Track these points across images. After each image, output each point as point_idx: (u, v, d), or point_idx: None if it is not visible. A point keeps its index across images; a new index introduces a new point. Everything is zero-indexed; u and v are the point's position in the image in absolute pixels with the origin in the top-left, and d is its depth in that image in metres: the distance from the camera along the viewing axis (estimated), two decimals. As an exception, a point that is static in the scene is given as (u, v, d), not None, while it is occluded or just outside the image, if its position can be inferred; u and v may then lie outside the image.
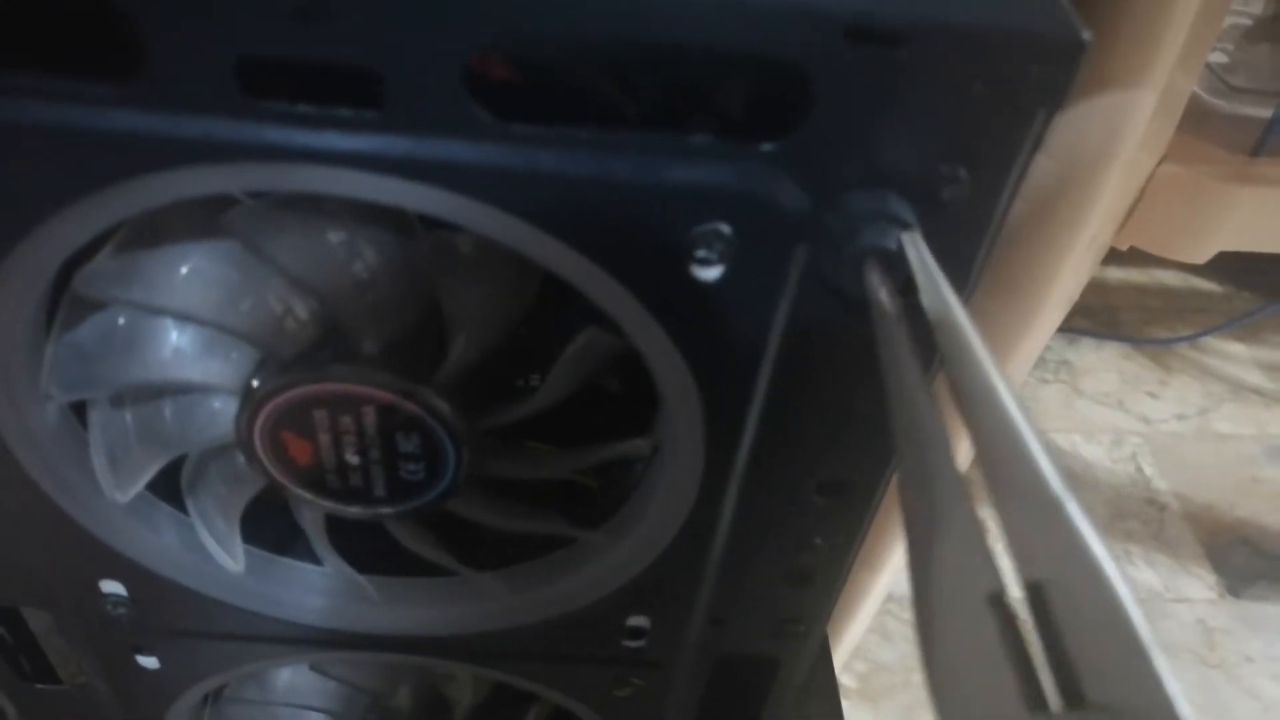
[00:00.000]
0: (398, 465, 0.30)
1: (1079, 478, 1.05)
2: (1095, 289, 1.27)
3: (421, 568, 0.35)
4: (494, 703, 0.45)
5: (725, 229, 0.22)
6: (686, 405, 0.27)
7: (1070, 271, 0.49)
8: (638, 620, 0.34)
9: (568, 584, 0.34)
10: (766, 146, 0.21)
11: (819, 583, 0.33)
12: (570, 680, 0.38)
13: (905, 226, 0.21)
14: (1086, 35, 0.20)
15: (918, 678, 0.83)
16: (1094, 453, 1.12)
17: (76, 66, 0.21)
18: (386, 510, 0.31)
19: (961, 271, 0.23)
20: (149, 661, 0.38)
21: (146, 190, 0.22)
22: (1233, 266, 1.18)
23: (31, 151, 0.22)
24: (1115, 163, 0.45)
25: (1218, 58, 0.96)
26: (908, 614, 0.88)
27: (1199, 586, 0.96)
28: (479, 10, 0.19)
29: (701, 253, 0.23)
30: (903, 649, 0.87)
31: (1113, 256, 0.94)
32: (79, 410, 0.30)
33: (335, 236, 0.25)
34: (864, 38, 0.20)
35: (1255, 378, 1.18)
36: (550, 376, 0.28)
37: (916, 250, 0.21)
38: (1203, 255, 0.90)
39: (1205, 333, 1.20)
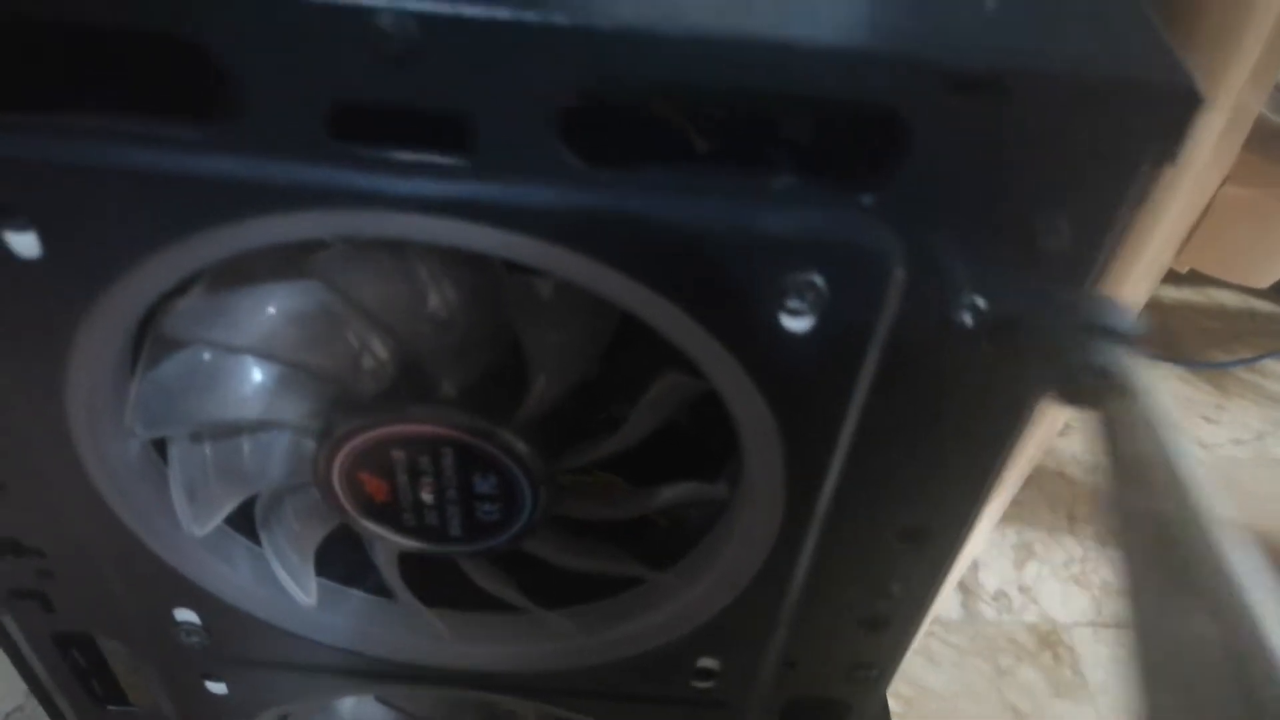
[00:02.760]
0: (474, 505, 0.29)
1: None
2: (1151, 310, 1.25)
3: (490, 603, 0.35)
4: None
5: (818, 279, 0.22)
6: (769, 451, 0.26)
7: (1129, 292, 0.48)
8: (708, 662, 0.34)
9: (638, 624, 0.34)
10: (864, 198, 0.21)
11: (894, 628, 0.32)
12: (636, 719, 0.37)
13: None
14: (1203, 89, 0.19)
15: (964, 703, 0.82)
16: None
17: (161, 108, 0.21)
18: (461, 549, 0.31)
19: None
20: (218, 688, 0.38)
21: (237, 237, 0.22)
22: (1293, 288, 1.16)
23: (123, 196, 0.22)
24: (1179, 184, 0.44)
25: (1280, 78, 0.94)
26: (954, 637, 0.86)
27: None
28: (574, 59, 0.19)
29: (793, 303, 0.22)
30: (949, 673, 0.85)
31: (1169, 277, 0.92)
32: (159, 446, 0.30)
33: (417, 278, 0.25)
34: (968, 88, 0.19)
35: (1315, 403, 1.15)
36: (631, 419, 0.28)
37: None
38: (1265, 280, 0.88)
39: (1264, 356, 1.17)
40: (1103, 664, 0.78)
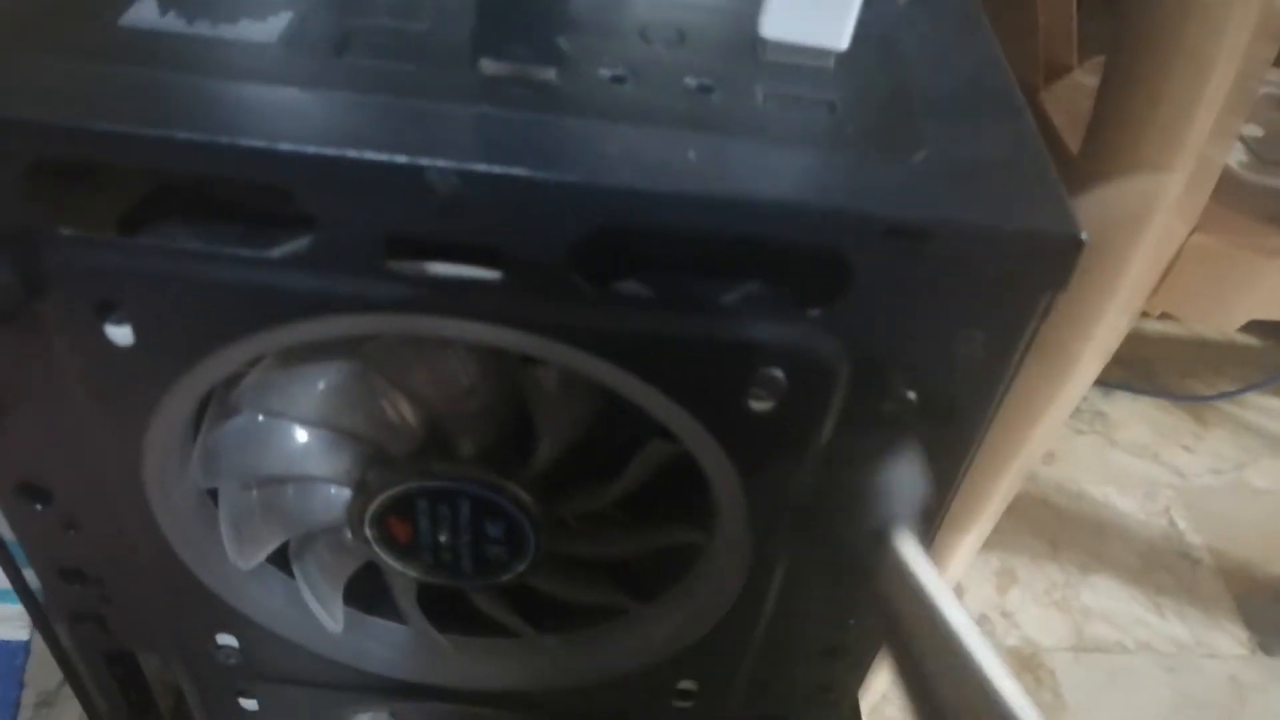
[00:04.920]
0: (484, 547, 0.34)
1: (1111, 529, 1.07)
2: (1132, 341, 1.27)
3: (494, 629, 0.39)
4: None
5: (778, 374, 0.27)
6: (737, 507, 0.31)
7: (1103, 334, 0.52)
8: (687, 684, 0.39)
9: (623, 649, 0.38)
10: (814, 312, 0.26)
11: (851, 656, 0.37)
12: (624, 735, 0.42)
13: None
14: (1084, 235, 0.24)
15: None
16: (1127, 505, 1.11)
17: (250, 231, 0.26)
18: (471, 583, 0.36)
19: (975, 417, 0.28)
20: (250, 704, 0.42)
21: (302, 332, 0.27)
22: (1273, 324, 1.18)
23: (208, 301, 0.27)
24: (1145, 236, 0.47)
25: (1254, 130, 0.99)
26: (939, 660, 0.90)
27: (1230, 642, 0.95)
28: (583, 209, 0.24)
29: (758, 391, 0.27)
30: None
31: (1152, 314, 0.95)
32: (212, 491, 0.35)
33: (449, 364, 0.30)
34: (897, 234, 0.24)
35: (1294, 434, 1.16)
36: (620, 478, 0.32)
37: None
38: (1233, 324, 0.93)
39: (1244, 390, 1.19)
40: (1082, 687, 0.80)
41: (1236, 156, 0.96)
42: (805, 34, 0.27)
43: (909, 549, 0.23)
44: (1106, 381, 1.21)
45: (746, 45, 0.28)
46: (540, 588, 0.37)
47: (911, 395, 0.27)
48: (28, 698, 0.72)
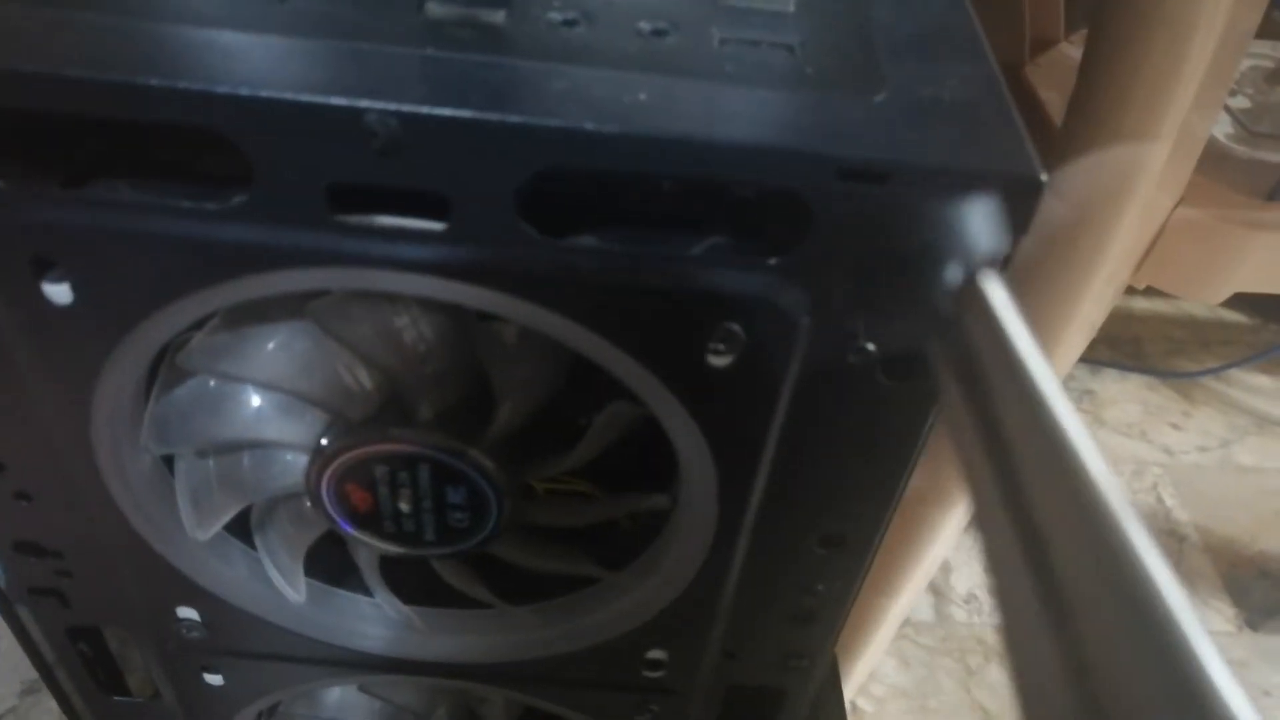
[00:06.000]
0: (446, 513, 0.33)
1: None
2: (1120, 320, 1.28)
3: (461, 600, 0.39)
4: (525, 723, 0.49)
5: (736, 327, 0.26)
6: (702, 468, 0.30)
7: (1088, 307, 0.51)
8: (657, 653, 0.38)
9: (594, 619, 0.38)
10: (772, 260, 0.25)
11: (820, 623, 0.37)
12: (595, 706, 0.41)
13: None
14: (1043, 175, 0.23)
15: (934, 702, 0.85)
16: None
17: (186, 182, 0.25)
18: (434, 552, 0.35)
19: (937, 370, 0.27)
20: (215, 679, 0.42)
21: (247, 288, 0.26)
22: (1260, 299, 1.18)
23: (148, 257, 0.26)
24: (1129, 208, 0.47)
25: (1241, 102, 0.98)
26: (925, 638, 0.90)
27: (1218, 619, 0.96)
28: (527, 150, 0.23)
29: (717, 345, 0.27)
30: (919, 673, 0.88)
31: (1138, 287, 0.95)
32: (168, 459, 0.34)
33: (399, 321, 0.29)
34: (854, 176, 0.23)
35: (1281, 411, 1.16)
36: (583, 440, 0.32)
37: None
38: (1218, 296, 0.92)
39: (1231, 365, 1.20)
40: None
41: (1224, 129, 0.96)
42: (763, -25, 0.27)
43: (997, 294, 0.21)
44: (1095, 360, 1.21)
45: (705, -10, 0.28)
46: (506, 557, 0.36)
47: (871, 346, 0.26)
48: (11, 686, 0.72)
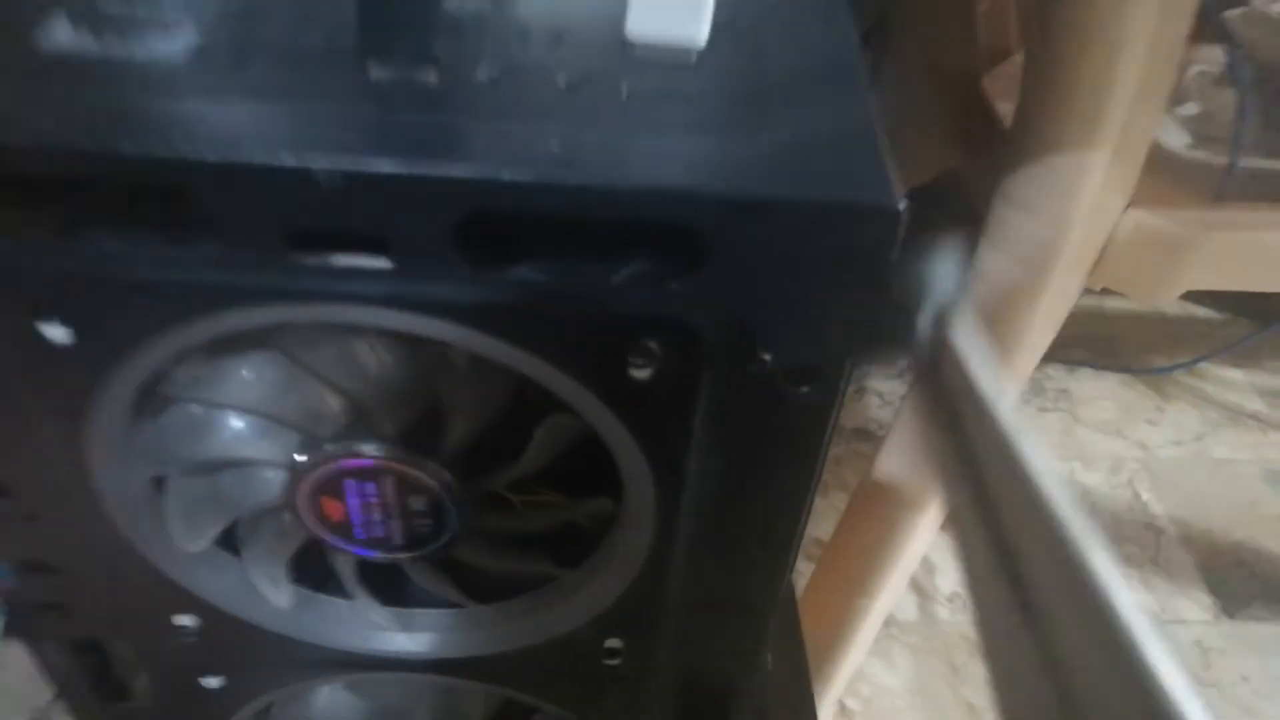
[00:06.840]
0: (411, 520, 0.37)
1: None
2: (1094, 318, 1.30)
3: (433, 601, 0.42)
4: (503, 718, 0.52)
5: (653, 344, 0.30)
6: (638, 470, 0.34)
7: (1049, 300, 0.55)
8: (614, 642, 0.41)
9: (555, 613, 0.41)
10: (676, 285, 0.29)
11: (759, 613, 0.40)
12: (561, 693, 0.45)
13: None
14: (902, 205, 0.26)
15: (920, 700, 0.87)
16: (1093, 479, 1.13)
17: (164, 232, 0.29)
18: (403, 556, 0.38)
19: (833, 380, 0.31)
20: (212, 682, 0.45)
21: (220, 323, 0.29)
22: (1230, 294, 1.20)
23: (131, 298, 0.29)
24: (1076, 208, 0.51)
25: (1190, 108, 1.02)
26: (910, 637, 0.92)
27: (1195, 609, 0.97)
28: (456, 198, 0.27)
29: (637, 360, 0.30)
30: (905, 672, 0.90)
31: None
32: (159, 480, 0.38)
33: (358, 348, 0.33)
34: (745, 212, 0.27)
35: (1253, 403, 1.20)
36: (528, 451, 0.35)
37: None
38: (1170, 295, 0.95)
39: (1202, 359, 1.21)
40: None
41: (1173, 133, 0.99)
42: (665, 33, 0.30)
43: (965, 335, 0.24)
44: (1070, 360, 1.23)
45: (619, 45, 0.31)
46: (470, 561, 0.40)
47: (767, 357, 0.30)
48: (21, 716, 0.74)
